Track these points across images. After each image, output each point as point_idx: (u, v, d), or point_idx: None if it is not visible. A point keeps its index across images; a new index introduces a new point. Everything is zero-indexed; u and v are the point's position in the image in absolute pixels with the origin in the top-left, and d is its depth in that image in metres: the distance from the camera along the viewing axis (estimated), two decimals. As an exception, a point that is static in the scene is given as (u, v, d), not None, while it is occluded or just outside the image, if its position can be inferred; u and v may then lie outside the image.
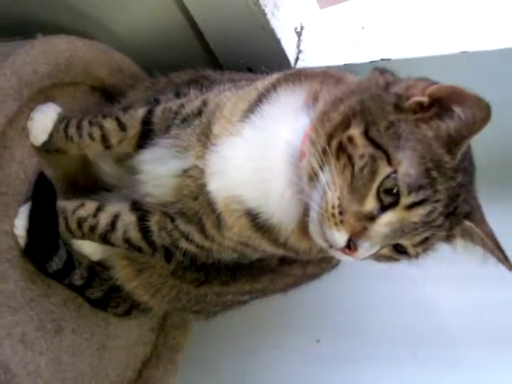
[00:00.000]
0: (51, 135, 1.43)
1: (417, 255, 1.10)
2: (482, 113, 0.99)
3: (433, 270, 1.57)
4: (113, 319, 1.62)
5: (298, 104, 1.19)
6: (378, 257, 1.12)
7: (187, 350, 1.84)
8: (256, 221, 1.20)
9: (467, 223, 1.10)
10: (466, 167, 1.07)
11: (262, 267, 1.40)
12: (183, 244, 1.30)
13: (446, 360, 1.76)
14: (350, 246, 1.04)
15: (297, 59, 1.67)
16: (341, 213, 1.04)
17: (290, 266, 1.40)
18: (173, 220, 1.29)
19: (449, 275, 1.67)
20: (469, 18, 1.52)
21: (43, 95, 1.45)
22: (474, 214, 1.11)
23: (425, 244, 1.08)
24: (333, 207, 1.05)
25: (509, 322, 1.71)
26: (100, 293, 1.52)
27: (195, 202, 1.24)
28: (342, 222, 1.04)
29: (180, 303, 1.49)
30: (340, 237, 1.05)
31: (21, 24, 1.65)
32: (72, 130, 1.42)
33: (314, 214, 1.09)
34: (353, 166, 1.04)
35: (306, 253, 1.23)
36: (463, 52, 1.47)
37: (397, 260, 1.13)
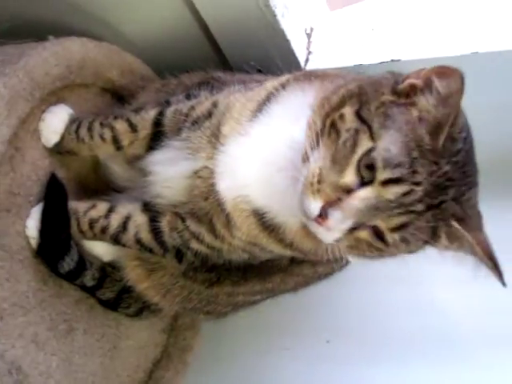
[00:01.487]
0: (62, 136, 1.44)
1: (395, 245, 1.07)
2: (456, 83, 0.99)
3: (441, 272, 1.58)
4: (124, 320, 1.63)
5: (307, 102, 1.19)
6: (358, 242, 1.10)
7: (197, 351, 1.84)
8: (263, 220, 1.21)
9: (455, 225, 1.06)
10: (459, 162, 1.05)
11: (272, 267, 1.40)
12: (194, 244, 1.31)
13: (455, 361, 1.76)
14: (322, 216, 1.04)
15: (306, 60, 1.67)
16: (319, 182, 1.05)
17: (301, 265, 1.40)
18: (184, 220, 1.30)
19: (457, 277, 1.66)
20: (479, 19, 1.52)
21: (55, 97, 1.46)
22: (467, 220, 1.07)
23: (402, 231, 1.05)
24: (313, 176, 1.06)
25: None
26: (111, 293, 1.53)
27: (205, 202, 1.25)
28: (318, 190, 1.05)
29: (191, 304, 1.50)
30: (315, 205, 1.05)
31: (32, 26, 1.66)
32: (83, 132, 1.43)
33: (299, 186, 1.09)
34: (338, 139, 1.05)
35: (312, 254, 1.23)
36: (474, 53, 1.47)
37: (378, 251, 1.10)
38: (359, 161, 1.03)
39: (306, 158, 1.09)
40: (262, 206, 1.20)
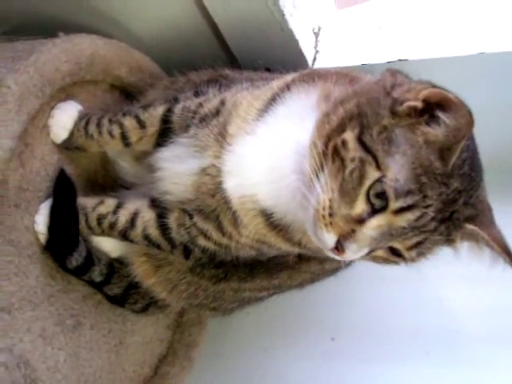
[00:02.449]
0: (72, 133, 1.45)
1: (412, 259, 1.10)
2: (466, 119, 0.99)
3: (446, 271, 1.59)
4: (130, 316, 1.64)
5: (310, 104, 1.20)
6: (374, 258, 1.13)
7: (202, 347, 1.85)
8: (270, 220, 1.22)
9: (470, 227, 1.08)
10: (466, 172, 1.05)
11: (280, 264, 1.41)
12: (201, 241, 1.32)
13: (458, 359, 1.76)
14: (338, 248, 1.06)
15: (314, 60, 1.68)
16: (331, 215, 1.06)
17: (308, 262, 1.41)
18: (191, 217, 1.30)
19: (463, 275, 1.67)
20: (486, 20, 1.52)
21: (64, 93, 1.47)
22: (479, 217, 1.09)
23: (418, 248, 1.07)
24: (323, 209, 1.06)
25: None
26: (118, 289, 1.54)
27: (213, 199, 1.25)
28: (331, 223, 1.06)
29: (197, 300, 1.51)
30: (329, 238, 1.06)
31: (42, 23, 1.66)
32: (92, 128, 1.43)
33: (309, 215, 1.10)
34: (344, 170, 1.04)
35: (320, 252, 1.22)
36: (481, 53, 1.47)
37: (395, 263, 1.13)
38: (368, 191, 1.03)
39: (311, 178, 1.09)
40: (270, 206, 1.21)
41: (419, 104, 1.04)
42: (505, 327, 1.71)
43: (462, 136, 1.01)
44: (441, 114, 1.02)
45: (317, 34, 1.70)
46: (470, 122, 0.99)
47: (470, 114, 0.99)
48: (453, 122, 1.01)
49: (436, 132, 1.03)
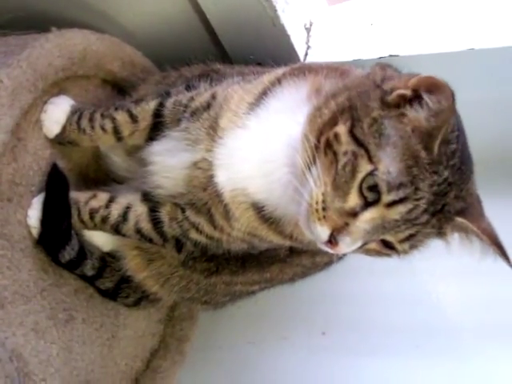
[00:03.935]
0: (64, 127, 1.44)
1: (405, 251, 1.11)
2: (448, 101, 1.00)
3: (437, 264, 1.60)
4: (122, 310, 1.64)
5: (300, 98, 1.20)
6: (367, 251, 1.14)
7: (194, 341, 1.86)
8: (262, 213, 1.22)
9: (460, 220, 1.09)
10: (456, 165, 1.06)
11: (271, 257, 1.41)
12: (193, 235, 1.32)
13: (448, 352, 1.77)
14: (331, 241, 1.07)
15: (306, 55, 1.68)
16: (324, 208, 1.06)
17: (300, 255, 1.42)
18: (183, 211, 1.31)
19: (452, 269, 1.68)
20: (476, 16, 1.53)
21: (57, 88, 1.47)
22: (469, 209, 1.10)
23: (410, 241, 1.08)
24: (317, 203, 1.07)
25: (512, 316, 1.72)
26: (110, 283, 1.54)
27: (204, 192, 1.26)
28: (324, 217, 1.06)
29: (189, 293, 1.51)
30: (322, 231, 1.07)
31: (34, 18, 1.66)
32: (84, 122, 1.43)
33: (302, 208, 1.11)
34: (337, 163, 1.05)
35: (312, 245, 1.23)
36: (470, 49, 1.48)
37: (387, 255, 1.14)
38: (360, 184, 1.04)
39: (303, 172, 1.10)
40: (261, 199, 1.21)
41: (408, 92, 1.05)
42: (494, 320, 1.72)
43: (444, 120, 1.01)
44: (425, 96, 1.03)
45: (308, 30, 1.70)
46: (452, 105, 1.00)
47: (452, 97, 0.99)
48: (436, 105, 1.02)
49: (419, 116, 1.04)
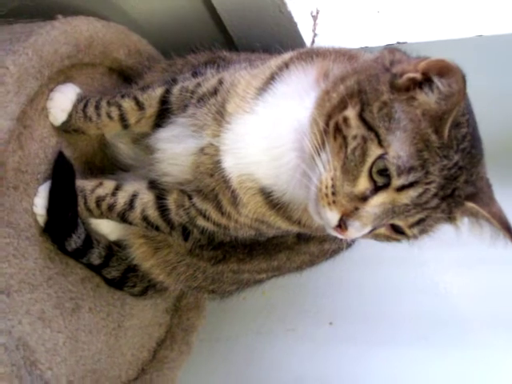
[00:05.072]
0: (70, 115, 1.44)
1: (414, 236, 1.10)
2: (459, 84, 0.99)
3: (445, 254, 1.59)
4: (128, 299, 1.64)
5: (308, 82, 1.20)
6: (376, 236, 1.13)
7: (200, 332, 1.85)
8: (270, 198, 1.22)
9: (470, 205, 1.08)
10: (466, 148, 1.05)
11: (278, 244, 1.41)
12: (200, 221, 1.32)
13: (457, 343, 1.77)
14: (341, 226, 1.06)
15: (312, 43, 1.67)
16: (333, 193, 1.06)
17: (307, 243, 1.41)
18: (190, 198, 1.31)
19: (460, 259, 1.67)
20: (485, 2, 1.52)
21: (63, 76, 1.47)
22: (479, 194, 1.09)
23: (420, 225, 1.08)
24: (326, 187, 1.06)
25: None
26: (117, 272, 1.54)
27: (211, 178, 1.25)
28: (334, 202, 1.06)
29: (196, 282, 1.51)
30: (332, 216, 1.06)
31: (40, 6, 1.66)
32: (91, 110, 1.43)
33: (311, 193, 1.10)
34: (346, 147, 1.04)
35: (320, 230, 1.23)
36: (479, 36, 1.47)
37: (397, 240, 1.13)
38: (370, 168, 1.03)
39: (312, 156, 1.09)
40: (269, 184, 1.21)
41: (418, 76, 1.04)
42: (504, 311, 1.72)
43: (455, 103, 1.00)
44: (436, 80, 1.02)
45: (315, 17, 1.69)
46: (463, 88, 0.99)
47: (463, 80, 0.98)
48: (446, 88, 1.01)
49: (429, 99, 1.03)
